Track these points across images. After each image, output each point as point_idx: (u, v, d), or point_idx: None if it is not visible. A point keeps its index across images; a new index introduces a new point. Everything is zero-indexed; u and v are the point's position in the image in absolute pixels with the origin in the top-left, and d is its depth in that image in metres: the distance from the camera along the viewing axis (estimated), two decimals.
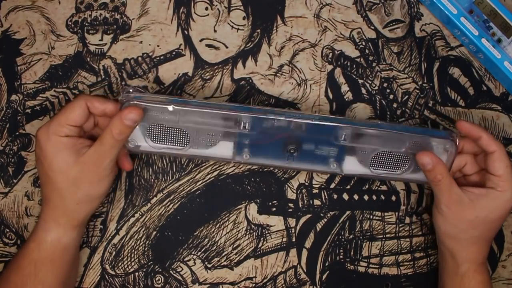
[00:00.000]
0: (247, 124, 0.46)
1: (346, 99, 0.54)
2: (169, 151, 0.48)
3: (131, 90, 0.46)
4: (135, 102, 0.45)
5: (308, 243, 0.53)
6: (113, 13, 0.53)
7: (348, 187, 0.54)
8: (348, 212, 0.54)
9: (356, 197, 0.54)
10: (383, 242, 0.54)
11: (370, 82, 0.54)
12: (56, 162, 0.44)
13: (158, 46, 0.53)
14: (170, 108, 0.45)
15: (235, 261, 0.53)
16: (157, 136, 0.47)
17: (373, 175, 0.50)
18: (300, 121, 0.46)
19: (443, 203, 0.47)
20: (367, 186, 0.54)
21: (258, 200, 0.53)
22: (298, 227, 0.53)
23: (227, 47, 0.54)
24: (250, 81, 0.54)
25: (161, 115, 0.46)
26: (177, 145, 0.47)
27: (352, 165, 0.49)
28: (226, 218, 0.53)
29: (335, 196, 0.54)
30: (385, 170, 0.49)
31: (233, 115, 0.46)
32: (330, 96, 0.54)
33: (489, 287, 0.49)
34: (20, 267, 0.45)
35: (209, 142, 0.47)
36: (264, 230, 0.53)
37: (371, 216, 0.54)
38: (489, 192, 0.47)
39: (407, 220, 0.54)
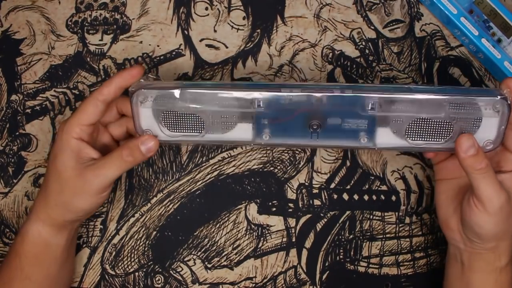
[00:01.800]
0: (261, 102, 0.43)
1: None
2: (186, 139, 0.45)
3: (142, 80, 0.44)
4: (143, 90, 0.43)
5: (308, 243, 0.53)
6: (113, 13, 0.53)
7: (348, 187, 0.54)
8: (348, 212, 0.54)
9: (356, 197, 0.54)
10: (383, 242, 0.54)
11: (370, 82, 0.54)
12: (58, 159, 0.44)
13: (158, 46, 0.53)
14: (177, 92, 0.43)
15: (235, 261, 0.53)
16: (172, 124, 0.44)
17: (411, 147, 0.44)
18: (318, 94, 0.42)
19: (495, 201, 0.40)
20: (367, 186, 0.54)
21: (258, 200, 0.53)
22: (298, 227, 0.53)
23: (227, 47, 0.54)
24: (250, 81, 0.54)
25: (172, 102, 0.43)
26: (194, 132, 0.44)
27: (385, 137, 0.44)
28: (226, 218, 0.53)
29: (335, 196, 0.54)
30: (425, 140, 0.43)
31: (245, 95, 0.43)
32: None
33: None
34: (8, 261, 0.45)
35: (225, 125, 0.44)
36: (264, 230, 0.53)
37: (371, 216, 0.54)
38: None
39: (407, 220, 0.54)
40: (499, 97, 0.40)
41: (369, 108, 0.42)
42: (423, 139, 0.43)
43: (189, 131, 0.44)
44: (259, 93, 0.42)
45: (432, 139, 0.43)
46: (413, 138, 0.43)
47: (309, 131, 0.44)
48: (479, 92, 0.41)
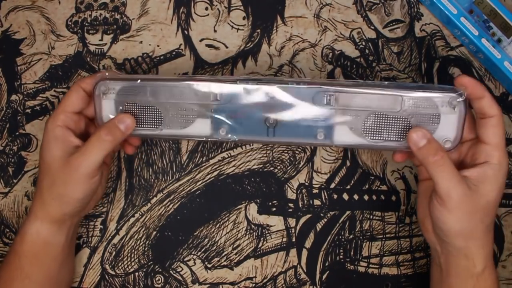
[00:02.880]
0: (218, 95, 0.43)
1: None
2: (145, 133, 0.46)
3: (107, 74, 0.45)
4: (106, 81, 0.43)
5: (308, 243, 0.53)
6: (113, 13, 0.53)
7: (348, 187, 0.54)
8: (348, 212, 0.54)
9: (356, 197, 0.54)
10: (383, 242, 0.54)
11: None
12: (45, 151, 0.44)
13: (158, 46, 0.53)
14: (138, 82, 0.43)
15: (235, 261, 0.53)
16: None
17: (369, 145, 0.44)
18: (274, 86, 0.42)
19: (454, 194, 0.39)
20: (367, 186, 0.54)
21: (258, 200, 0.53)
22: (298, 227, 0.53)
23: (227, 47, 0.54)
24: None
25: (133, 94, 0.44)
26: (152, 126, 0.45)
27: (343, 135, 0.43)
28: (226, 218, 0.53)
29: (335, 196, 0.54)
30: (383, 138, 0.43)
31: (203, 86, 0.43)
32: None
33: (499, 285, 0.44)
34: (8, 262, 0.45)
35: (184, 120, 0.45)
36: (264, 230, 0.53)
37: (371, 216, 0.54)
38: (487, 169, 0.41)
39: (407, 220, 0.54)
40: (454, 93, 0.40)
41: (325, 102, 0.42)
42: (381, 136, 0.43)
43: (148, 125, 0.45)
44: (216, 85, 0.42)
45: (390, 137, 0.43)
46: (371, 136, 0.43)
47: (266, 126, 0.44)
48: (435, 89, 0.41)
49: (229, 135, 0.45)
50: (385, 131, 0.43)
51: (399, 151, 0.46)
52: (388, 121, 0.42)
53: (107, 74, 0.45)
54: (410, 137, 0.41)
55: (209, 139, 0.45)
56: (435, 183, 0.40)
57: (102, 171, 0.46)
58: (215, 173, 0.53)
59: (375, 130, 0.43)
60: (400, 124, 0.42)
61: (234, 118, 0.44)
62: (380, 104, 0.42)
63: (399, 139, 0.43)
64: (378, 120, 0.42)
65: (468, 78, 0.41)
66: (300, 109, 0.43)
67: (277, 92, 0.42)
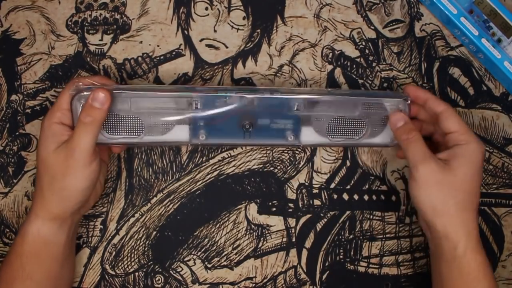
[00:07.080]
0: (199, 103, 0.46)
1: None
2: (125, 141, 0.47)
3: (81, 84, 0.45)
4: (85, 93, 0.44)
5: (308, 243, 0.53)
6: (113, 13, 0.53)
7: (348, 187, 0.54)
8: (348, 212, 0.54)
9: (356, 197, 0.54)
10: (383, 242, 0.54)
11: (370, 82, 0.55)
12: (41, 148, 0.44)
13: (158, 46, 0.53)
14: (120, 95, 0.44)
15: (235, 261, 0.53)
16: (111, 127, 0.46)
17: (332, 143, 0.50)
18: (251, 96, 0.46)
19: (421, 166, 0.44)
20: (367, 186, 0.54)
21: (258, 200, 0.53)
22: (298, 227, 0.53)
23: (227, 47, 0.54)
24: (250, 81, 0.54)
25: (114, 105, 0.45)
26: (133, 134, 0.47)
27: (309, 136, 0.49)
28: (226, 218, 0.53)
29: (335, 196, 0.54)
30: (343, 137, 0.49)
31: (184, 96, 0.46)
32: None
33: (489, 270, 0.44)
34: (9, 262, 0.45)
35: (164, 127, 0.47)
36: (264, 230, 0.53)
37: (371, 216, 0.54)
38: (456, 150, 0.45)
39: (407, 220, 0.54)
40: (400, 98, 0.48)
41: (295, 109, 0.47)
42: (341, 136, 0.49)
43: (128, 133, 0.47)
44: (196, 95, 0.45)
45: (349, 136, 0.49)
46: (333, 136, 0.49)
47: (242, 130, 0.47)
48: (386, 95, 0.49)
49: (208, 140, 0.47)
50: (345, 131, 0.49)
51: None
52: (347, 123, 0.49)
53: (81, 84, 0.45)
54: (391, 120, 0.47)
55: (189, 144, 0.48)
56: (407, 159, 0.46)
57: (99, 162, 0.45)
58: (215, 173, 0.53)
59: (336, 131, 0.49)
60: (357, 126, 0.49)
61: (212, 124, 0.46)
62: (341, 109, 0.48)
63: (356, 138, 0.49)
64: (339, 123, 0.49)
65: (411, 87, 0.49)
66: (273, 115, 0.47)
67: (253, 101, 0.46)
